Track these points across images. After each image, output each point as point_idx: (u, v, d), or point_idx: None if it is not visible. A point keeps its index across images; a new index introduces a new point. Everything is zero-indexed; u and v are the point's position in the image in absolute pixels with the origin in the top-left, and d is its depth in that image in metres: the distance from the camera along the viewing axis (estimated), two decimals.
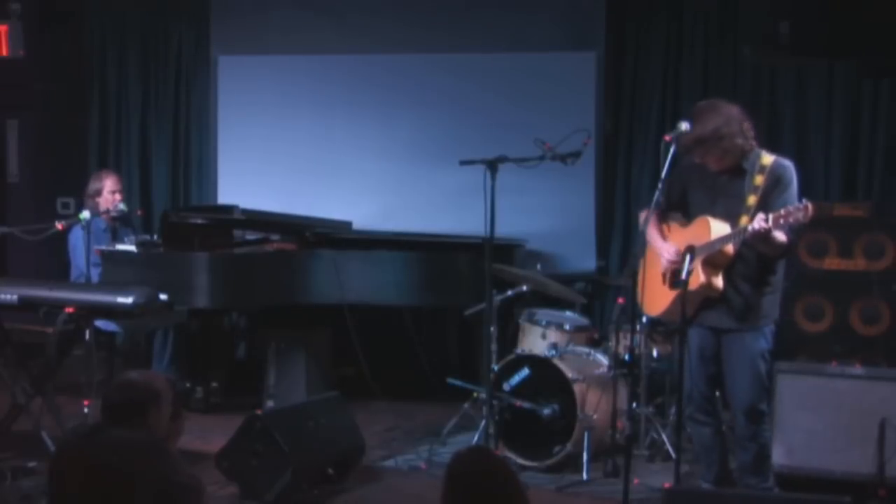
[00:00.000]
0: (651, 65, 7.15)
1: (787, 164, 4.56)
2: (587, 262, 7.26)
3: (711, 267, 4.50)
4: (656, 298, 4.72)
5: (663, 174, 4.48)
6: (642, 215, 4.75)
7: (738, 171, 4.53)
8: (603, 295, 7.25)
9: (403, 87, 7.48)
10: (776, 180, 4.48)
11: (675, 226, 4.76)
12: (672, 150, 4.46)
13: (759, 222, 4.28)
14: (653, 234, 4.73)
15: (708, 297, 4.56)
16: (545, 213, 7.14)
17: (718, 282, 4.52)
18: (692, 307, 4.59)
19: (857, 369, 5.10)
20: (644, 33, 7.19)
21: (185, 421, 3.59)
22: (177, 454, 3.45)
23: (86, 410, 5.11)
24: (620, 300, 5.72)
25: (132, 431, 3.34)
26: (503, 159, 5.23)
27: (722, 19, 6.94)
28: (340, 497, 5.03)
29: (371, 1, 7.55)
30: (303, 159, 7.57)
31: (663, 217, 4.78)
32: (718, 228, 4.47)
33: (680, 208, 4.75)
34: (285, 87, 7.66)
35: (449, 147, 6.92)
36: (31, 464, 5.03)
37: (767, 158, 4.52)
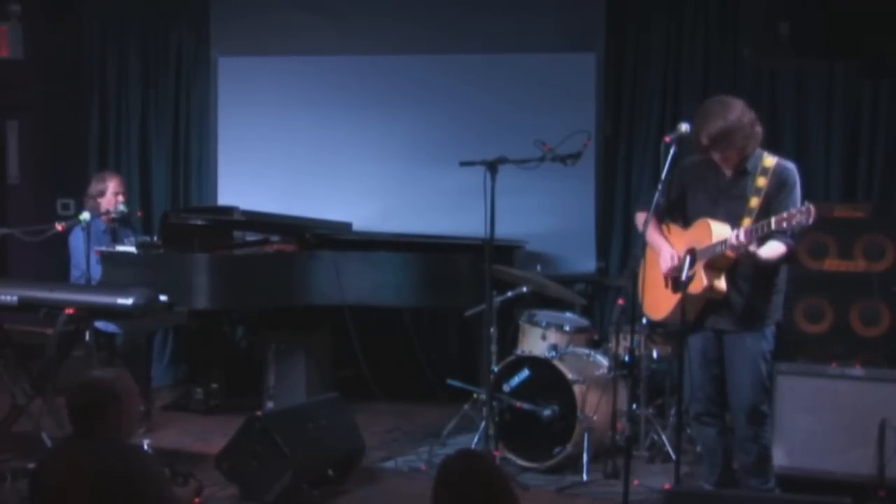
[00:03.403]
0: (651, 65, 7.14)
1: (791, 166, 4.54)
2: (587, 263, 7.25)
3: (714, 270, 4.48)
4: (659, 302, 4.69)
5: (663, 175, 4.48)
6: (640, 216, 4.74)
7: (741, 171, 4.51)
8: (603, 296, 7.24)
9: (403, 88, 7.47)
10: (780, 183, 4.45)
11: (675, 227, 4.72)
12: (672, 150, 4.47)
13: (734, 237, 4.29)
14: (654, 235, 4.71)
15: (711, 300, 4.54)
16: (545, 215, 7.14)
17: (721, 284, 4.48)
18: (695, 311, 4.58)
19: (857, 370, 5.10)
20: (644, 34, 7.18)
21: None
22: (158, 473, 3.49)
23: None
24: (620, 301, 5.68)
25: (110, 448, 3.38)
26: (503, 160, 5.24)
27: (722, 19, 6.93)
28: (340, 498, 5.03)
29: (371, 2, 7.54)
30: (303, 160, 7.57)
31: (662, 218, 4.76)
32: (720, 231, 4.44)
33: (678, 208, 4.72)
34: (285, 89, 7.65)
35: (449, 148, 6.92)
36: (31, 465, 5.01)
37: (770, 160, 4.50)
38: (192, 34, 7.97)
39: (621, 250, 7.22)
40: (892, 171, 6.53)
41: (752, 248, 4.32)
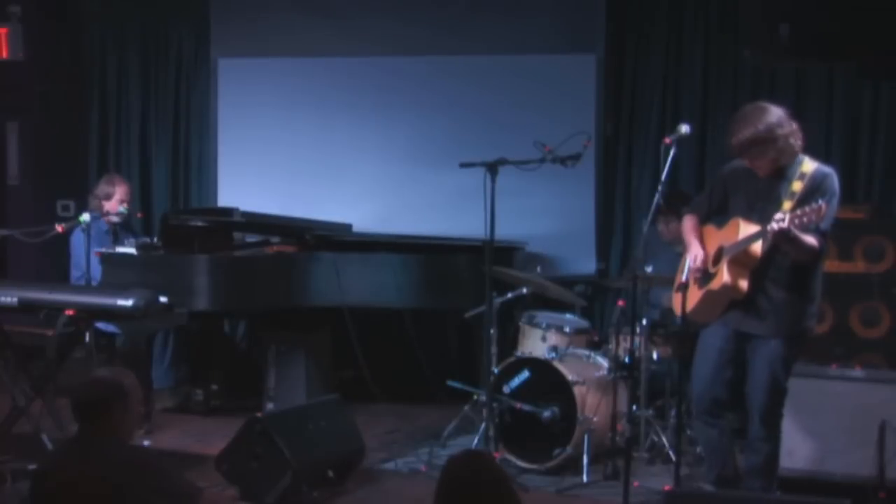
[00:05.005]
0: (651, 67, 7.14)
1: (829, 172, 4.49)
2: (587, 264, 7.25)
3: (738, 267, 4.45)
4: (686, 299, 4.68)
5: (663, 176, 4.48)
6: (688, 219, 4.76)
7: (780, 176, 4.48)
8: (603, 297, 7.24)
9: (403, 89, 7.47)
10: (814, 188, 4.42)
11: (710, 228, 4.74)
12: (672, 152, 4.47)
13: (777, 223, 4.24)
14: (690, 236, 4.72)
15: (733, 299, 4.52)
16: (545, 216, 7.14)
17: (743, 283, 4.46)
18: (718, 308, 4.57)
19: (857, 371, 5.10)
20: (644, 35, 7.18)
21: None
22: (165, 465, 3.48)
23: None
24: (620, 302, 5.72)
25: (116, 446, 3.38)
26: (503, 162, 5.24)
27: (722, 20, 6.94)
28: (340, 499, 5.03)
29: (371, 3, 7.54)
30: (303, 162, 7.57)
31: (704, 221, 4.76)
32: (747, 230, 4.44)
33: (721, 212, 4.73)
34: (285, 90, 7.65)
35: (449, 149, 6.93)
36: (32, 466, 5.01)
37: (809, 165, 4.47)
38: (192, 35, 7.97)
39: (621, 252, 7.22)
40: (893, 171, 6.53)
41: (802, 235, 4.26)
